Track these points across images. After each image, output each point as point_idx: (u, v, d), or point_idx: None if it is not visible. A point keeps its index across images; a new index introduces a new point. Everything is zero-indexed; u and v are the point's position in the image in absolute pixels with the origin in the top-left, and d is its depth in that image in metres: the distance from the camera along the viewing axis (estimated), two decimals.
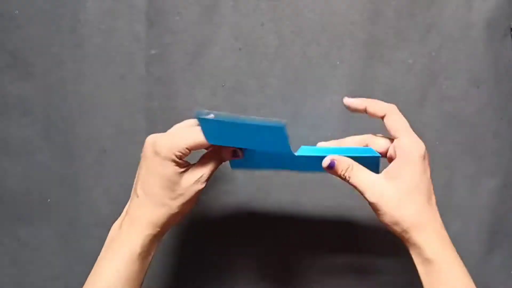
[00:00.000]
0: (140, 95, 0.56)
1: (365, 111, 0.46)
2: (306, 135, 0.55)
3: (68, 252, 0.56)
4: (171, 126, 0.56)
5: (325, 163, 0.44)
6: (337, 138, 0.55)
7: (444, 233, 0.44)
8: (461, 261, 0.43)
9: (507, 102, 0.55)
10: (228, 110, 0.56)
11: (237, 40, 0.56)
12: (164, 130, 0.56)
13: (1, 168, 0.57)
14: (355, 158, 0.46)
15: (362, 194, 0.43)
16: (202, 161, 0.45)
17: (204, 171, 0.45)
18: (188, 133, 0.44)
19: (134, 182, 0.45)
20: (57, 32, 0.56)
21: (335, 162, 0.44)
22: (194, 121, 0.46)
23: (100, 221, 0.56)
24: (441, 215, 0.55)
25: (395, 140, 0.44)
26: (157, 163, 0.43)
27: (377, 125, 0.55)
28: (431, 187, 0.43)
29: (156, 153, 0.43)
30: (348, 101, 0.46)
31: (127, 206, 0.45)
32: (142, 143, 0.56)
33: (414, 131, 0.55)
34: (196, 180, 0.44)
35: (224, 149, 0.45)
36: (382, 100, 0.55)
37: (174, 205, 0.44)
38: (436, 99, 0.55)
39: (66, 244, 0.56)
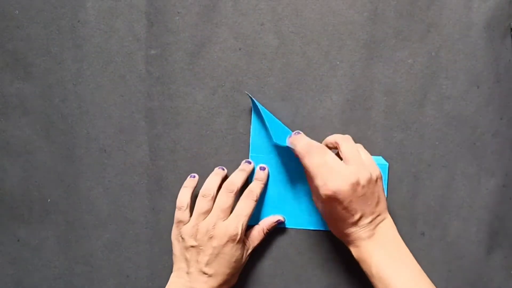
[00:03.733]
0: (140, 95, 0.56)
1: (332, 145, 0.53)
2: (306, 135, 0.55)
3: (68, 252, 0.56)
4: (171, 126, 0.56)
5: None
6: None
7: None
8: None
9: (507, 102, 0.55)
10: (228, 110, 0.56)
11: (237, 40, 0.56)
12: (164, 130, 0.56)
13: (1, 168, 0.57)
14: None
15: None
16: (251, 235, 0.54)
17: (253, 244, 0.54)
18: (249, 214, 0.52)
19: (197, 261, 0.50)
20: (57, 32, 0.56)
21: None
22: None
23: (100, 221, 0.56)
24: (441, 215, 0.56)
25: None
26: (230, 247, 0.50)
27: (377, 124, 0.56)
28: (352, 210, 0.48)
29: (232, 239, 0.50)
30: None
31: (189, 280, 0.50)
32: (142, 143, 0.56)
33: (412, 132, 0.55)
34: (248, 254, 0.53)
35: (268, 220, 0.55)
36: (383, 99, 0.55)
37: (234, 278, 0.52)
38: (436, 99, 0.55)
39: (66, 244, 0.56)
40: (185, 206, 0.52)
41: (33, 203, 0.57)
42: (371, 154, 0.55)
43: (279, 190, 0.55)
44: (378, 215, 0.49)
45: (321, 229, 0.55)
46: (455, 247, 0.55)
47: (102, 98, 0.56)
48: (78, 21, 0.56)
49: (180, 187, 0.55)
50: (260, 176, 0.54)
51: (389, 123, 0.55)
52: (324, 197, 0.47)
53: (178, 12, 0.55)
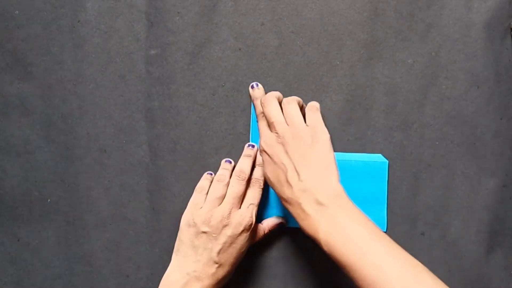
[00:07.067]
0: (140, 95, 0.56)
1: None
2: None
3: (68, 252, 0.56)
4: (171, 126, 0.56)
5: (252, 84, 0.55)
6: (337, 138, 0.55)
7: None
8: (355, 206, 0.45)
9: (507, 102, 0.55)
10: (228, 110, 0.56)
11: (237, 40, 0.56)
12: (164, 130, 0.56)
13: (1, 168, 0.57)
14: (363, 163, 0.53)
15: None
16: (257, 231, 0.54)
17: (252, 241, 0.53)
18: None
19: (207, 248, 0.50)
20: (57, 32, 0.56)
21: (257, 86, 0.55)
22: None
23: (100, 221, 0.56)
24: (441, 215, 0.56)
25: None
26: (244, 237, 0.50)
27: (377, 124, 0.56)
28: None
29: (247, 229, 0.51)
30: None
31: (195, 269, 0.49)
32: (142, 143, 0.56)
33: (412, 132, 0.55)
34: (248, 246, 0.53)
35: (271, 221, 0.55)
36: (383, 99, 0.55)
37: (233, 271, 0.52)
38: (436, 99, 0.55)
39: (66, 244, 0.56)
40: (206, 190, 0.53)
41: (33, 203, 0.57)
42: (371, 154, 0.55)
43: None
44: (313, 177, 0.46)
45: None
46: (455, 247, 0.55)
47: (102, 98, 0.56)
48: (78, 21, 0.56)
49: (180, 187, 0.55)
50: (261, 161, 0.54)
51: (389, 123, 0.55)
52: (260, 150, 0.51)
53: (178, 12, 0.55)
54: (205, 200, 0.52)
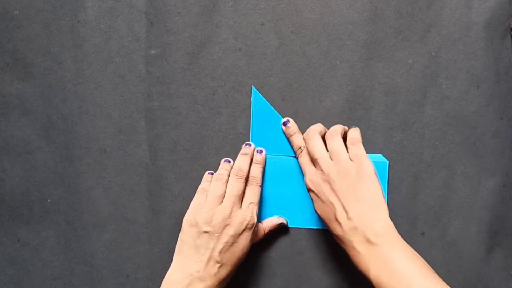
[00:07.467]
0: (140, 95, 0.56)
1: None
2: None
3: (68, 252, 0.56)
4: (171, 126, 0.56)
5: (283, 120, 0.55)
6: None
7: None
8: (404, 242, 0.47)
9: (507, 102, 0.55)
10: (228, 110, 0.56)
11: (237, 40, 0.56)
12: (164, 130, 0.56)
13: (1, 168, 0.57)
14: None
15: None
16: (258, 230, 0.54)
17: (253, 241, 0.53)
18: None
19: (209, 248, 0.49)
20: (57, 32, 0.56)
21: (288, 122, 0.55)
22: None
23: (100, 221, 0.56)
24: (441, 215, 0.56)
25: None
26: (246, 236, 0.50)
27: (377, 124, 0.56)
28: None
29: (249, 228, 0.51)
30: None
31: (198, 269, 0.49)
32: (142, 143, 0.56)
33: (412, 132, 0.55)
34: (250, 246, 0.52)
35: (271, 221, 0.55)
36: (383, 99, 0.55)
37: (237, 267, 0.51)
38: (436, 99, 0.55)
39: (66, 244, 0.56)
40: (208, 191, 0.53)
41: (33, 203, 0.57)
42: (371, 154, 0.55)
43: (280, 189, 0.55)
44: (362, 214, 0.47)
45: (321, 227, 0.55)
46: (455, 247, 0.55)
47: (102, 98, 0.56)
48: (78, 21, 0.56)
49: (180, 187, 0.55)
50: (258, 159, 0.55)
51: (389, 123, 0.55)
52: (307, 188, 0.51)
53: (178, 12, 0.56)
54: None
